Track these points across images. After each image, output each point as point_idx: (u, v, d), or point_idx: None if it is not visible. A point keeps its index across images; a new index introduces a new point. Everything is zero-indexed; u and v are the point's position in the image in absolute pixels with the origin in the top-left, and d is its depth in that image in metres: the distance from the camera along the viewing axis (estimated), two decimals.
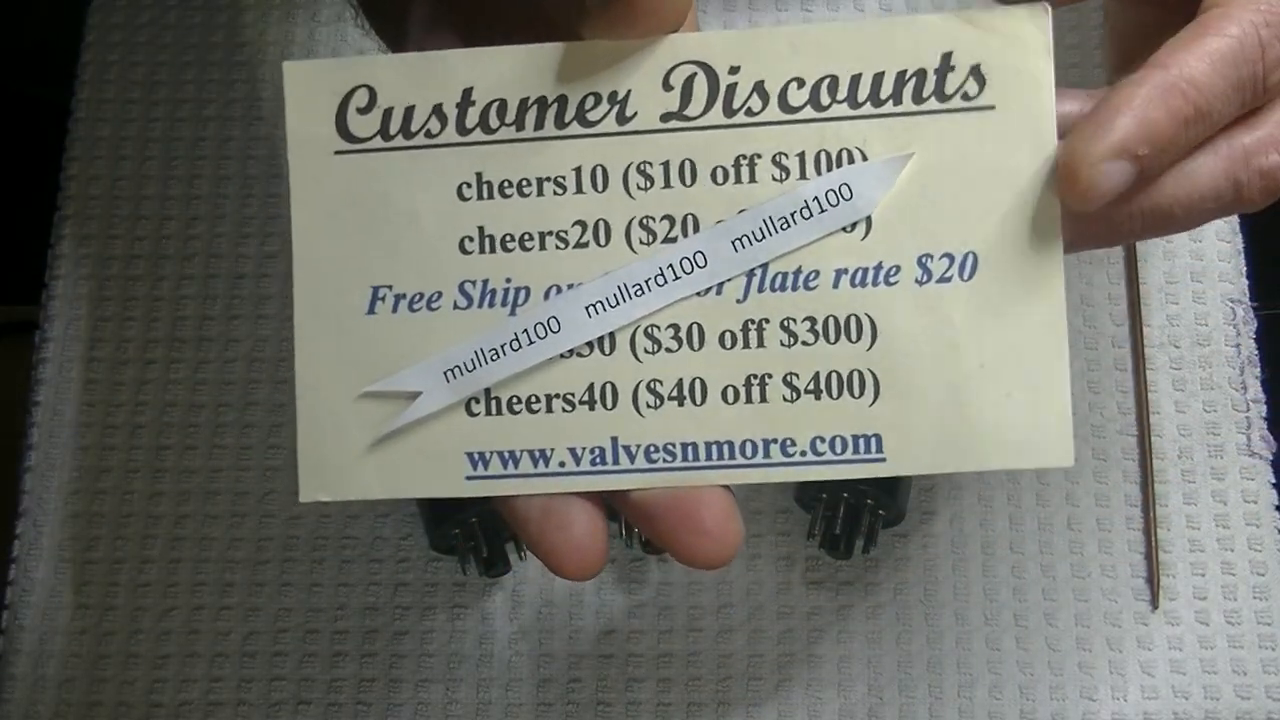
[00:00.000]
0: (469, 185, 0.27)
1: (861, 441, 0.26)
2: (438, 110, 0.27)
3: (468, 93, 0.27)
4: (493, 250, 0.27)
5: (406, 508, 0.47)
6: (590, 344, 0.27)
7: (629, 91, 0.27)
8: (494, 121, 0.27)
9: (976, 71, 0.26)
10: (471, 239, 0.27)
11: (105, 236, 0.50)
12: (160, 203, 0.51)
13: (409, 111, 0.27)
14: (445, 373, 0.27)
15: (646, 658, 0.45)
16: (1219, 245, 0.48)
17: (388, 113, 0.27)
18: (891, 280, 0.26)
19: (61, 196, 0.51)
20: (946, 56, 0.26)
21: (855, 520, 0.43)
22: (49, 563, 0.47)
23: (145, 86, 0.52)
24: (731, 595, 0.45)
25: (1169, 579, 0.45)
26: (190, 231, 0.50)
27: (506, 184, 0.27)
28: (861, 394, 0.26)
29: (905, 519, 0.45)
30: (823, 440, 0.27)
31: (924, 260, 0.26)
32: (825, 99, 0.26)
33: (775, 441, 0.27)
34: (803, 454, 0.27)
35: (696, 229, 0.27)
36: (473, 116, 0.27)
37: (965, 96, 0.26)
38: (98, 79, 0.52)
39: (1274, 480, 0.46)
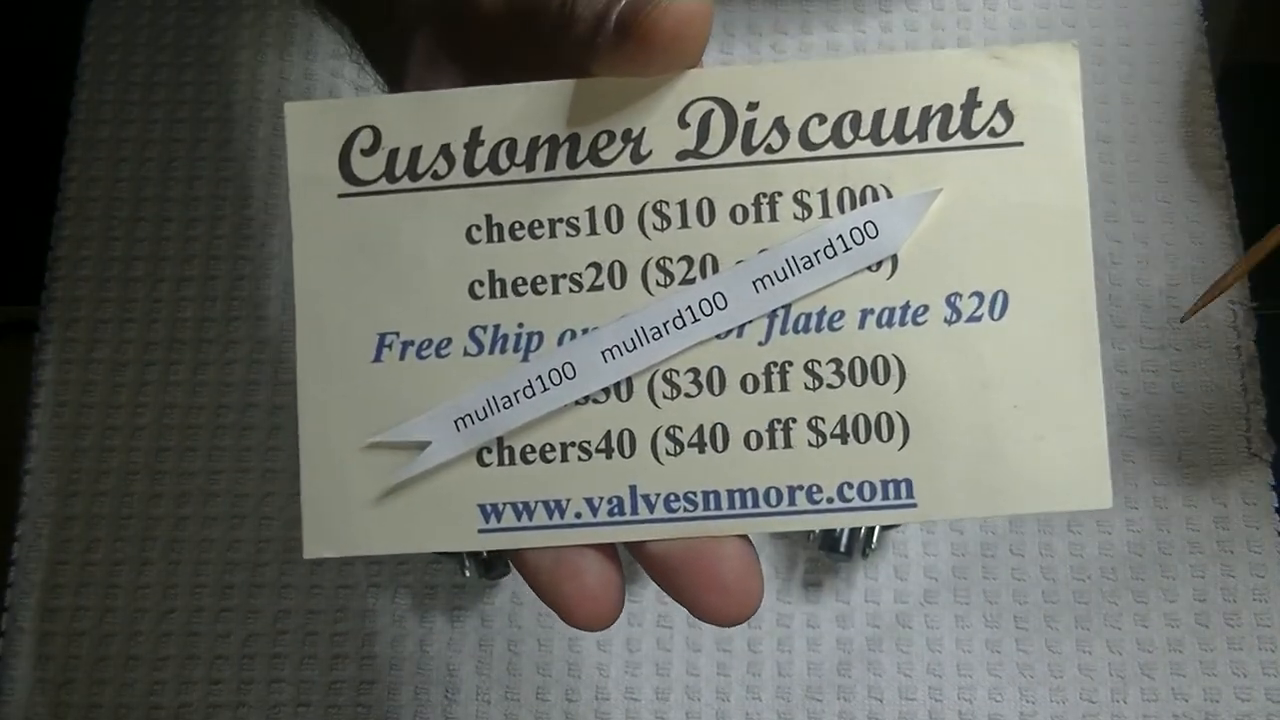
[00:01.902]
0: (478, 228, 0.26)
1: (891, 487, 0.26)
2: (445, 151, 0.26)
3: (476, 132, 0.26)
4: (504, 294, 0.26)
5: None
6: (607, 390, 0.26)
7: (643, 129, 0.26)
8: (504, 162, 0.26)
9: (1003, 107, 0.26)
10: (482, 283, 0.26)
11: (105, 237, 0.50)
12: (160, 203, 0.51)
13: (415, 152, 0.26)
14: (456, 421, 0.26)
15: (645, 662, 0.45)
16: (1220, 247, 0.48)
17: (393, 154, 0.26)
18: (919, 320, 0.26)
19: (61, 197, 0.51)
20: (973, 92, 0.26)
21: None
22: (48, 565, 0.46)
23: (145, 87, 0.52)
24: None
25: (1169, 580, 0.45)
26: (190, 232, 0.50)
27: (517, 225, 0.26)
28: (890, 438, 0.26)
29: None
30: (850, 486, 0.26)
31: (953, 299, 0.26)
32: (848, 135, 0.26)
33: (801, 488, 0.26)
34: (829, 501, 0.26)
35: (716, 270, 0.26)
36: (481, 157, 0.26)
37: (992, 133, 0.26)
38: (98, 79, 0.52)
39: (1274, 482, 0.46)
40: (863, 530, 0.43)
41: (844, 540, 0.43)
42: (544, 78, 0.26)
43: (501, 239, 0.26)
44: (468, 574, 0.44)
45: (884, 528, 0.44)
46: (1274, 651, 0.44)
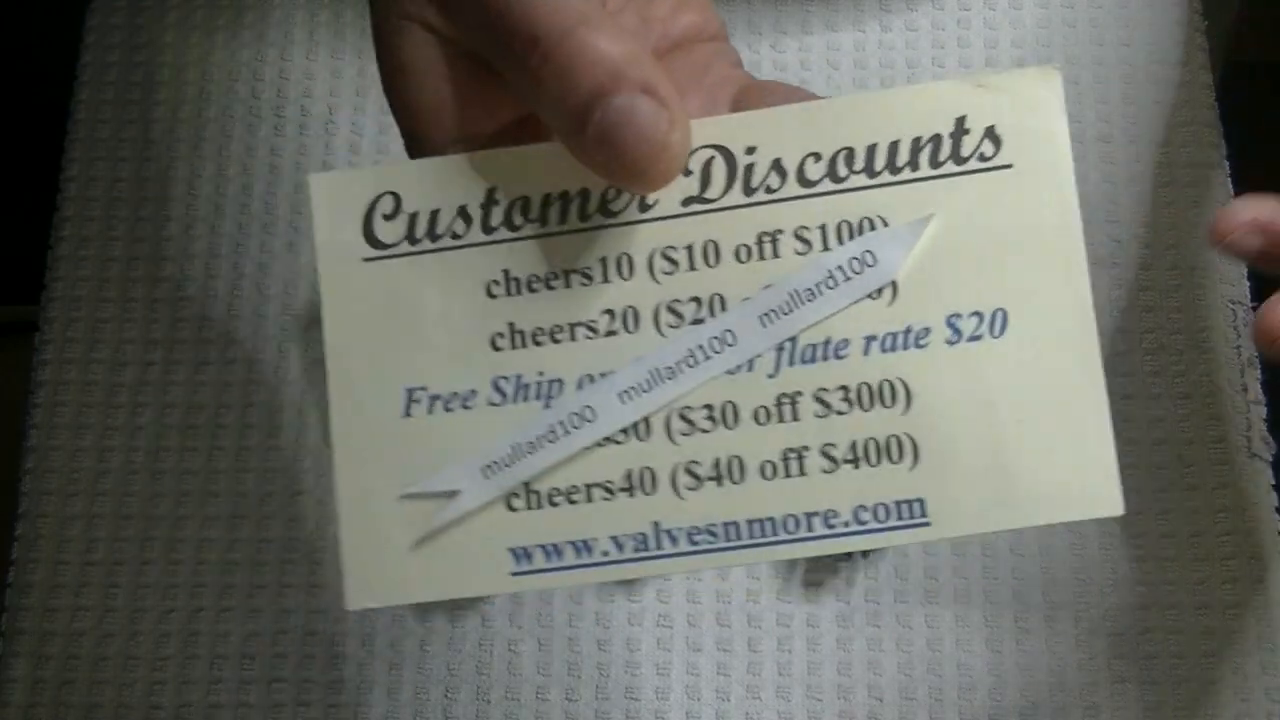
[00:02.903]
0: (497, 283, 0.27)
1: (905, 507, 0.26)
2: (462, 212, 0.28)
3: (491, 192, 0.27)
4: (524, 345, 0.27)
5: None
6: (625, 430, 0.27)
7: None
8: (518, 219, 0.27)
9: (991, 133, 0.26)
10: (503, 335, 0.27)
11: (105, 237, 0.50)
12: (160, 203, 0.51)
13: (434, 215, 0.28)
14: (483, 469, 0.27)
15: (645, 663, 0.45)
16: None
17: (413, 217, 0.28)
18: (922, 343, 0.26)
19: (61, 197, 0.51)
20: (960, 120, 0.27)
21: None
22: (48, 565, 0.47)
23: (145, 87, 0.52)
24: (730, 599, 0.45)
25: (1169, 580, 0.45)
26: (190, 232, 0.50)
27: (534, 279, 0.27)
28: (901, 459, 0.26)
29: None
30: (865, 509, 0.26)
31: (953, 320, 0.26)
32: (842, 170, 0.27)
33: (818, 514, 0.27)
34: (846, 524, 0.26)
35: (724, 308, 0.27)
36: (497, 215, 0.27)
37: (982, 158, 0.26)
38: (98, 79, 0.52)
39: (1274, 482, 0.46)
40: None
41: (873, 549, 0.43)
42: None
43: (519, 292, 0.27)
44: None
45: None
46: (1274, 652, 0.44)
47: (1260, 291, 0.48)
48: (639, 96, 0.25)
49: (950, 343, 0.26)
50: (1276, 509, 0.46)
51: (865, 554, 0.44)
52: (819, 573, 0.46)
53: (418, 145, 0.30)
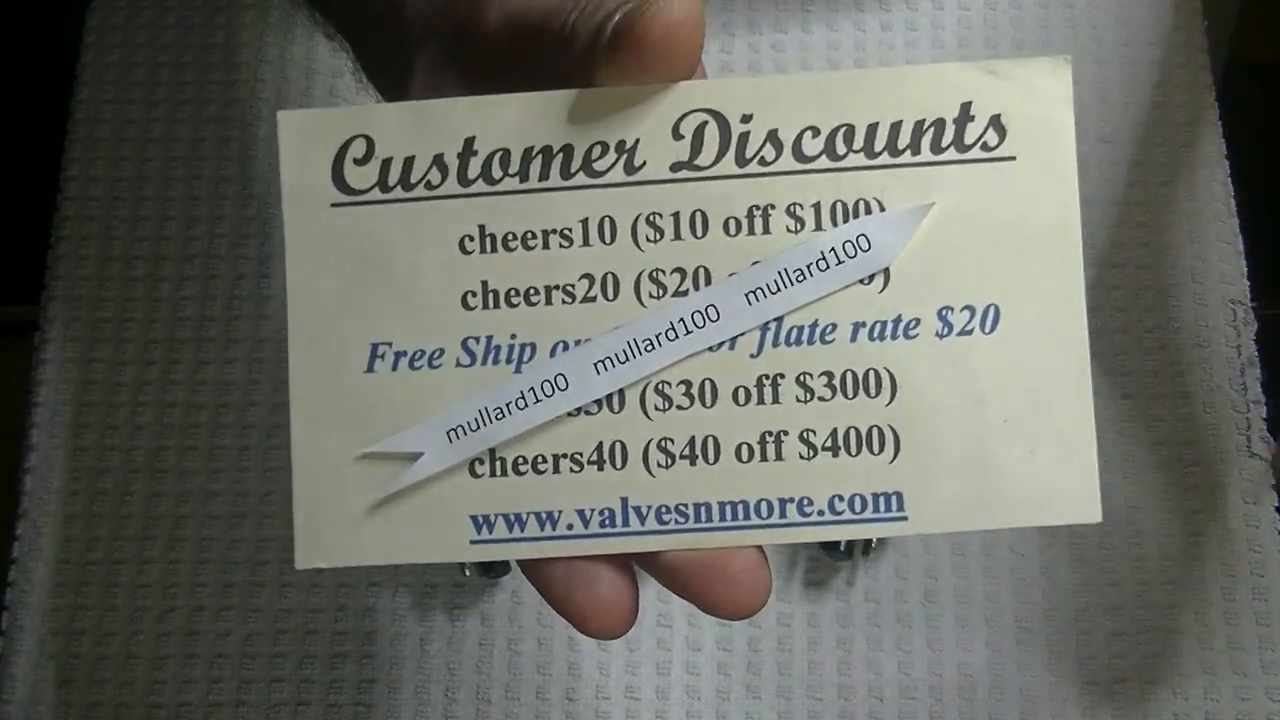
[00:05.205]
0: (471, 238, 0.26)
1: (882, 500, 0.26)
2: (438, 161, 0.26)
3: (470, 142, 0.26)
4: (497, 305, 0.26)
5: None
6: (599, 402, 0.26)
7: (637, 140, 0.26)
8: (497, 172, 0.26)
9: (996, 122, 0.26)
10: (475, 294, 0.26)
11: (105, 236, 0.50)
12: (160, 203, 0.51)
13: (408, 162, 0.26)
14: (448, 432, 0.26)
15: (645, 662, 0.45)
16: (1219, 246, 0.48)
17: (386, 163, 0.27)
18: (911, 333, 0.26)
19: (61, 197, 0.51)
20: (966, 106, 0.26)
21: None
22: (49, 564, 0.47)
23: (145, 86, 0.52)
24: None
25: (1169, 579, 0.45)
26: (190, 232, 0.50)
27: (511, 237, 0.26)
28: (881, 450, 0.26)
29: None
30: (841, 499, 0.26)
31: (944, 313, 0.26)
32: (841, 148, 0.26)
33: (792, 500, 0.26)
34: (820, 513, 0.26)
35: (709, 282, 0.26)
36: (475, 167, 0.26)
37: (985, 147, 0.26)
38: (98, 79, 0.52)
39: (1274, 481, 0.46)
40: None
41: (845, 540, 0.43)
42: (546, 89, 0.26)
43: (495, 250, 0.26)
44: (467, 573, 0.44)
45: None
46: (1274, 651, 0.44)
47: (1260, 291, 0.48)
48: None
49: (940, 335, 0.26)
50: (1276, 509, 0.46)
51: (865, 551, 0.44)
52: (819, 573, 0.46)
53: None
